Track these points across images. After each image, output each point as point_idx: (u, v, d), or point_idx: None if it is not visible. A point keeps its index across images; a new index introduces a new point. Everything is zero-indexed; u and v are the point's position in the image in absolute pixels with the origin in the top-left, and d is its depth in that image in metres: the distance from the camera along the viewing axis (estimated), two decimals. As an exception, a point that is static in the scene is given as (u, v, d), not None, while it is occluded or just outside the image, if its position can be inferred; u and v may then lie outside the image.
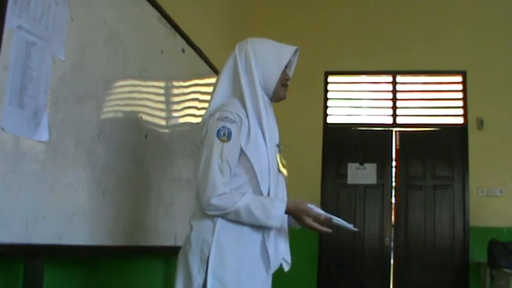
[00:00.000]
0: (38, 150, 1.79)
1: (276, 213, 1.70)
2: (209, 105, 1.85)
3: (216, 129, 1.71)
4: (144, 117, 2.65)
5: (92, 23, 2.14)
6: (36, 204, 1.78)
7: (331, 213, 1.78)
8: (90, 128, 2.14)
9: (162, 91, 2.93)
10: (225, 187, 1.67)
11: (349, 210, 5.46)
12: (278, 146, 1.87)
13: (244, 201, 1.67)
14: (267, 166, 1.75)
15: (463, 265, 5.18)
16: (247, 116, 1.75)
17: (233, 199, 1.67)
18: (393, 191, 5.59)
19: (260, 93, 1.80)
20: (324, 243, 5.43)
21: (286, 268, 1.82)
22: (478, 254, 5.04)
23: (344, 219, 1.80)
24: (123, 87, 2.46)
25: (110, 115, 2.32)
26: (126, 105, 2.50)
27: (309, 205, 1.76)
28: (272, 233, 1.76)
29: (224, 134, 1.70)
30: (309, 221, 1.74)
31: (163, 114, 2.92)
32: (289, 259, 1.84)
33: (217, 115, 1.73)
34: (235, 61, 1.85)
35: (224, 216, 1.69)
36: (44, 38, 1.80)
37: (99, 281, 2.46)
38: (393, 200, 5.57)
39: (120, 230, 2.39)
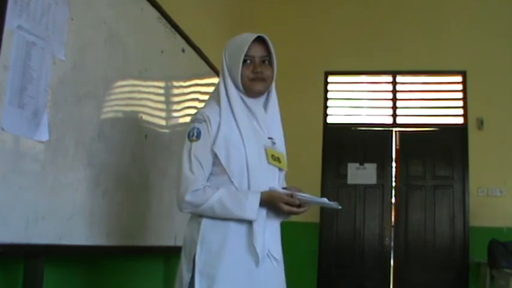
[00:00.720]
0: (38, 150, 1.79)
1: (251, 205, 1.69)
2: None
3: (187, 131, 1.75)
4: (144, 117, 2.65)
5: (92, 23, 2.14)
6: (36, 204, 1.78)
7: (312, 197, 1.77)
8: (90, 128, 2.14)
9: (162, 91, 2.93)
10: (196, 184, 1.69)
11: (349, 210, 5.47)
12: (270, 138, 1.84)
13: (217, 196, 1.68)
14: (244, 161, 1.73)
15: (463, 265, 5.18)
16: (219, 114, 1.76)
17: (206, 195, 1.68)
18: (393, 191, 5.59)
19: (232, 89, 1.80)
20: (324, 243, 5.44)
21: (274, 265, 1.78)
22: (478, 254, 5.03)
23: (327, 200, 1.78)
24: (123, 87, 2.46)
25: (110, 115, 2.32)
26: (126, 105, 2.50)
27: (282, 190, 1.75)
28: (258, 226, 1.72)
29: (193, 134, 1.73)
30: (286, 208, 1.71)
31: (163, 114, 2.92)
32: (277, 255, 1.79)
33: (190, 119, 1.80)
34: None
35: (199, 213, 1.70)
36: (44, 38, 1.80)
37: (99, 281, 2.46)
38: (393, 200, 5.57)
39: (120, 230, 2.39)
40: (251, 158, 1.75)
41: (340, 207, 1.77)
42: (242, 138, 1.75)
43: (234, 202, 1.69)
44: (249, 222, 1.72)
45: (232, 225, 1.72)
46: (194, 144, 1.72)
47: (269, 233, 1.77)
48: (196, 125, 1.74)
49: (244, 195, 1.72)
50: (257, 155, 1.78)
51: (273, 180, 1.83)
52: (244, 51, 1.78)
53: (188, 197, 1.68)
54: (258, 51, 1.81)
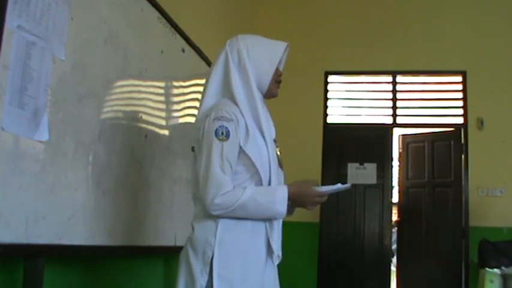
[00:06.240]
0: (38, 150, 1.79)
1: (281, 196, 1.70)
2: (201, 105, 1.84)
3: (213, 129, 1.69)
4: (144, 117, 2.65)
5: (92, 23, 2.14)
6: (36, 204, 1.78)
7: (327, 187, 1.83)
8: (90, 128, 2.14)
9: (162, 91, 2.93)
10: (228, 185, 1.66)
11: (349, 210, 5.47)
12: (275, 141, 1.87)
13: (247, 194, 1.66)
14: (268, 162, 1.76)
15: (463, 265, 5.18)
16: (241, 114, 1.74)
17: (237, 195, 1.65)
18: (393, 191, 5.60)
19: (256, 90, 1.79)
20: (324, 243, 5.44)
21: (276, 261, 1.81)
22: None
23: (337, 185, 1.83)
24: (123, 87, 2.46)
25: (110, 115, 2.32)
26: (126, 105, 2.50)
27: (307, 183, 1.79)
28: (275, 227, 1.76)
29: (222, 133, 1.68)
30: (314, 199, 1.76)
31: (163, 114, 2.92)
32: (280, 253, 1.83)
33: (212, 115, 1.72)
34: (226, 59, 1.83)
35: (230, 214, 1.67)
36: (44, 38, 1.80)
37: (99, 281, 2.46)
38: (393, 200, 5.57)
39: (120, 230, 2.39)
40: (272, 162, 1.77)
41: (349, 185, 1.83)
42: (265, 141, 1.77)
43: (264, 197, 1.69)
44: (267, 221, 1.74)
45: (250, 226, 1.72)
46: (225, 144, 1.67)
47: (279, 232, 1.81)
48: (225, 123, 1.69)
49: (272, 188, 1.73)
50: (275, 156, 1.81)
51: (282, 181, 1.85)
52: (280, 56, 1.85)
53: (219, 200, 1.64)
54: (283, 58, 1.90)
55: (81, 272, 2.32)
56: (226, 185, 1.65)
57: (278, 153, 1.85)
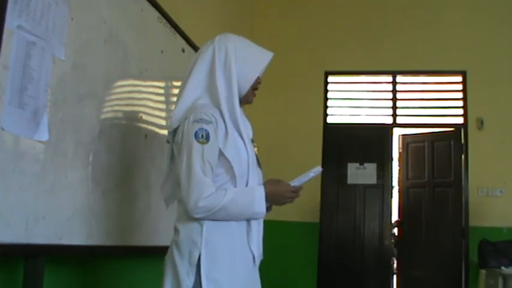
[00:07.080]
0: (38, 150, 1.79)
1: (259, 196, 1.72)
2: (181, 97, 1.81)
3: (193, 131, 1.68)
4: (144, 117, 2.65)
5: (92, 23, 2.14)
6: (36, 204, 1.78)
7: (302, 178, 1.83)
8: (90, 128, 2.14)
9: (162, 91, 2.94)
10: (210, 188, 1.65)
11: (349, 210, 5.47)
12: (253, 141, 1.86)
13: (229, 196, 1.66)
14: (247, 163, 1.75)
15: (463, 265, 5.18)
16: (222, 116, 1.74)
17: (219, 198, 1.65)
18: (393, 191, 5.60)
19: (236, 92, 1.78)
20: (324, 243, 5.43)
21: (258, 261, 1.81)
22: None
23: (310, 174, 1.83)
24: (123, 87, 2.47)
25: (110, 115, 2.32)
26: (126, 105, 2.50)
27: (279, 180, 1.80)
28: (253, 228, 1.77)
29: (202, 136, 1.68)
30: (291, 195, 1.78)
31: (163, 114, 2.92)
32: (261, 252, 1.83)
33: (191, 117, 1.71)
34: (213, 55, 1.81)
35: (212, 216, 1.67)
36: (44, 38, 1.80)
37: (99, 281, 2.46)
38: (393, 200, 5.57)
39: (120, 230, 2.39)
40: (251, 162, 1.77)
41: (321, 168, 1.84)
42: (244, 143, 1.76)
43: (244, 197, 1.70)
44: (247, 222, 1.75)
45: (234, 226, 1.72)
46: (205, 146, 1.67)
47: (260, 231, 1.81)
48: (204, 126, 1.68)
49: (250, 189, 1.74)
50: (254, 157, 1.81)
51: (261, 182, 1.85)
52: (265, 65, 1.85)
53: (202, 203, 1.63)
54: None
55: (81, 272, 2.33)
56: (209, 188, 1.65)
57: (256, 153, 1.85)
